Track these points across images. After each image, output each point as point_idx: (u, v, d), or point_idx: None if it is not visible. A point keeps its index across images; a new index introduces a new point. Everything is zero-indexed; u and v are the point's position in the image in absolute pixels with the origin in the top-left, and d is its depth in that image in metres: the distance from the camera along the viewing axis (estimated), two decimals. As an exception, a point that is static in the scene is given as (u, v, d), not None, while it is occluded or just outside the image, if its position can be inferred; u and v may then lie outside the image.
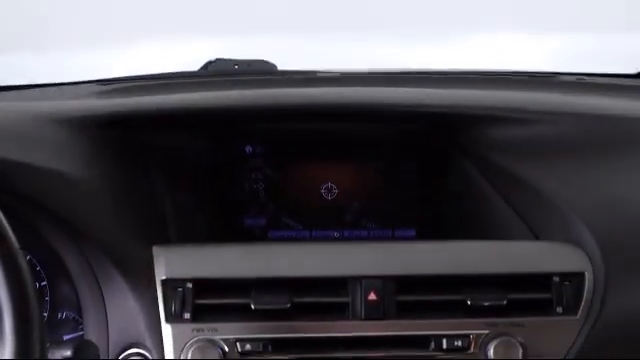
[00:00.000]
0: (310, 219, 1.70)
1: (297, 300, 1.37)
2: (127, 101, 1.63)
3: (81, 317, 1.46)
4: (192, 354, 1.33)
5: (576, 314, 1.37)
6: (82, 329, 1.46)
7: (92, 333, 1.41)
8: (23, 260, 1.07)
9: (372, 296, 1.37)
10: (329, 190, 1.69)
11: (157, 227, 1.51)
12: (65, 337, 1.48)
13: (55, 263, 1.46)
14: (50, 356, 1.20)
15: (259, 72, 1.90)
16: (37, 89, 1.86)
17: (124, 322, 1.39)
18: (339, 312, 1.38)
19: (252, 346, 1.35)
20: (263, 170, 1.70)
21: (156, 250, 1.42)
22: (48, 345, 1.18)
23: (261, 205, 1.70)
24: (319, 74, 1.83)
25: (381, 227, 1.69)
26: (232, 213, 1.69)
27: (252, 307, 1.36)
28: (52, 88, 1.87)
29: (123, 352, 1.38)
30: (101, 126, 1.51)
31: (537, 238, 1.51)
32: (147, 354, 1.37)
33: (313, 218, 1.70)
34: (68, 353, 1.20)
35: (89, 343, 1.23)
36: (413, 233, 1.69)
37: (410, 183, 1.69)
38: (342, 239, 1.70)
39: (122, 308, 1.40)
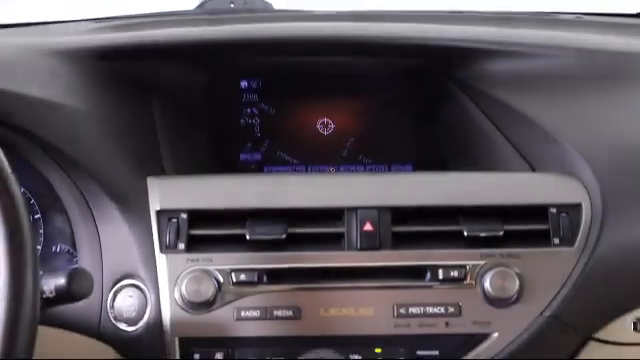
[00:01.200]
0: (306, 154, 1.69)
1: (292, 231, 1.36)
2: (124, 35, 1.61)
3: (75, 250, 1.45)
4: (186, 284, 1.32)
5: (573, 245, 1.36)
6: (76, 262, 1.46)
7: (86, 265, 1.40)
8: (16, 185, 1.05)
9: (368, 227, 1.36)
10: (325, 125, 1.68)
11: (151, 159, 1.50)
12: (59, 270, 1.47)
13: (49, 196, 1.46)
14: (44, 285, 1.18)
15: (255, 10, 1.88)
16: (35, 26, 1.84)
17: (118, 254, 1.39)
18: (334, 243, 1.37)
19: (247, 276, 1.34)
20: (259, 105, 1.69)
21: (150, 181, 1.41)
22: (41, 274, 1.16)
23: (256, 140, 1.69)
24: (316, 12, 1.81)
25: (378, 162, 1.68)
26: (227, 148, 1.68)
27: (247, 238, 1.35)
28: (49, 26, 1.85)
29: (117, 283, 1.38)
30: (98, 58, 1.50)
31: (534, 171, 1.50)
32: (141, 285, 1.36)
33: (309, 153, 1.68)
34: (62, 281, 1.19)
35: (83, 272, 1.22)
36: (410, 168, 1.68)
37: (407, 118, 1.68)
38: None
39: (116, 240, 1.39)
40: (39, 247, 1.48)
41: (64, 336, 1.38)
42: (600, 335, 1.39)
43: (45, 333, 1.29)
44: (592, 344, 1.39)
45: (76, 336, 1.38)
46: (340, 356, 1.21)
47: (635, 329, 1.39)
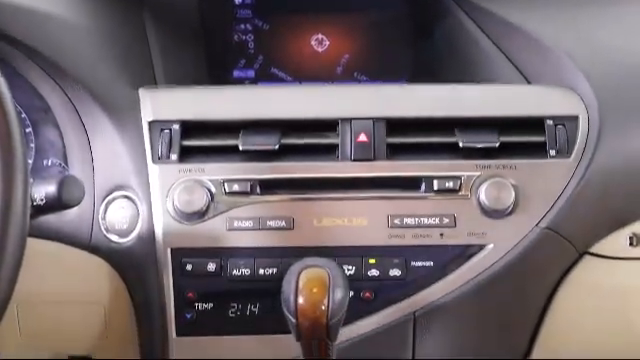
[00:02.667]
0: (300, 71, 1.67)
1: (285, 142, 1.35)
2: None
3: (66, 163, 1.43)
4: (179, 194, 1.31)
5: (569, 157, 1.35)
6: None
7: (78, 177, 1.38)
8: (6, 89, 1.04)
9: (362, 137, 1.34)
10: (320, 42, 1.66)
11: (144, 72, 1.48)
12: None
13: (40, 109, 1.44)
14: (34, 193, 1.17)
15: None
16: None
17: (110, 165, 1.37)
18: (328, 154, 1.36)
19: (239, 186, 1.33)
20: (252, 21, 1.67)
21: (142, 92, 1.40)
22: (32, 181, 1.15)
23: (250, 57, 1.67)
24: None
25: (372, 79, 1.65)
26: (220, 65, 1.66)
27: (240, 148, 1.34)
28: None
29: (109, 195, 1.37)
30: None
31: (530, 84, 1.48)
32: (133, 196, 1.35)
33: (303, 70, 1.66)
34: (52, 189, 1.17)
35: (74, 179, 1.21)
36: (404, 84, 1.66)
37: (403, 34, 1.66)
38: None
39: (108, 151, 1.38)
40: (30, 161, 1.45)
41: (55, 248, 1.37)
42: (596, 249, 1.39)
43: (36, 245, 1.29)
44: (588, 258, 1.38)
45: (67, 248, 1.37)
46: (333, 262, 1.19)
47: (631, 244, 1.39)
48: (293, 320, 1.13)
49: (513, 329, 1.39)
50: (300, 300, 1.12)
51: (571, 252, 1.35)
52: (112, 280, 1.37)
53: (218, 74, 1.65)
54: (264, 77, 1.65)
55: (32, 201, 1.15)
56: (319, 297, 1.12)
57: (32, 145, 1.45)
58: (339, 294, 1.13)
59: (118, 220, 1.35)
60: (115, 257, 1.36)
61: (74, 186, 1.19)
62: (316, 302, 1.12)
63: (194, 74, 1.61)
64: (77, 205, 1.19)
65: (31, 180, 1.13)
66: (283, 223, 1.31)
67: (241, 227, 1.31)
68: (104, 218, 1.36)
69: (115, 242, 1.35)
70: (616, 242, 1.39)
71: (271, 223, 1.31)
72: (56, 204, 1.17)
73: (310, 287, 1.13)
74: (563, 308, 1.39)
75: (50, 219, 1.35)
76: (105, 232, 1.35)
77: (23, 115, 1.45)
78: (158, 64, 1.52)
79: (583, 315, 1.41)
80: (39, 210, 1.17)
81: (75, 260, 1.37)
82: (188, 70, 1.59)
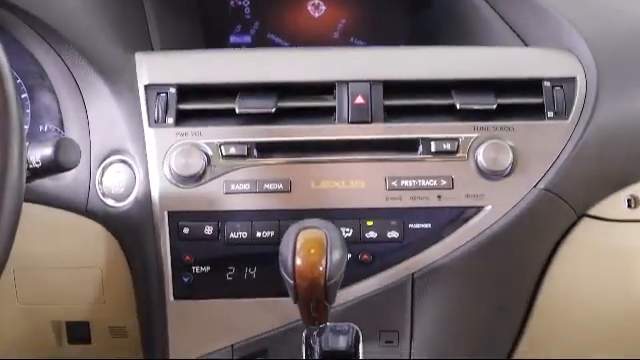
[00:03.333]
0: (296, 36, 1.66)
1: (282, 104, 1.34)
2: None
3: (62, 129, 1.43)
4: (175, 158, 1.31)
5: (567, 119, 1.35)
6: None
7: (74, 142, 1.38)
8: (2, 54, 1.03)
9: (359, 100, 1.34)
10: (316, 7, 1.65)
11: (140, 37, 1.48)
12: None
13: (36, 74, 1.43)
14: (30, 156, 1.16)
15: None
16: None
17: (106, 130, 1.37)
18: (325, 116, 1.35)
19: (236, 149, 1.32)
20: None
21: (139, 56, 1.39)
22: (28, 144, 1.14)
23: (246, 22, 1.66)
24: None
25: (369, 44, 1.65)
26: (216, 30, 1.65)
27: (237, 111, 1.33)
28: None
29: (105, 160, 1.36)
30: None
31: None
32: (129, 160, 1.35)
33: (299, 35, 1.66)
34: (48, 151, 1.16)
35: (70, 141, 1.19)
36: None
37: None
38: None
39: (104, 116, 1.37)
40: (26, 127, 1.45)
41: (52, 214, 1.37)
42: (594, 212, 1.38)
43: (33, 211, 1.29)
44: (586, 220, 1.38)
45: (64, 213, 1.36)
46: (331, 223, 1.19)
47: (629, 206, 1.39)
48: (291, 281, 1.13)
49: (511, 291, 1.39)
50: (298, 261, 1.12)
51: (569, 214, 1.35)
52: (109, 245, 1.37)
53: (214, 40, 1.64)
54: (260, 42, 1.64)
55: (28, 164, 1.14)
56: (317, 258, 1.12)
57: (28, 111, 1.45)
58: (337, 255, 1.13)
59: (114, 184, 1.35)
60: (112, 221, 1.35)
61: (70, 148, 1.18)
62: (314, 263, 1.12)
63: (190, 40, 1.60)
64: (74, 167, 1.18)
65: (27, 143, 1.12)
66: (280, 186, 1.31)
67: (238, 190, 1.31)
68: (100, 183, 1.35)
69: (112, 206, 1.35)
70: (615, 204, 1.38)
71: (268, 186, 1.31)
72: (52, 167, 1.16)
73: (308, 248, 1.13)
74: (561, 270, 1.38)
75: (46, 184, 1.35)
76: (102, 197, 1.35)
77: (19, 81, 1.44)
78: (154, 30, 1.51)
79: (581, 277, 1.41)
80: (35, 173, 1.16)
81: (72, 225, 1.36)
82: (184, 36, 1.59)
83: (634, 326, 1.47)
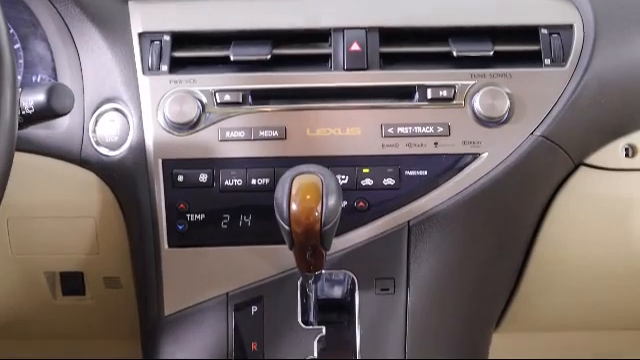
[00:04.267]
0: None
1: (277, 52, 1.33)
2: None
3: (56, 79, 1.41)
4: (169, 105, 1.30)
5: (564, 66, 1.34)
6: None
7: (68, 91, 1.36)
8: None
9: (355, 47, 1.33)
10: None
11: None
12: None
13: (29, 24, 1.42)
14: (23, 102, 1.15)
15: None
16: None
17: (100, 78, 1.36)
18: (321, 64, 1.34)
19: (231, 97, 1.31)
20: None
21: (132, 4, 1.38)
22: (20, 90, 1.13)
23: None
24: None
25: None
26: None
27: (231, 58, 1.32)
28: None
29: (99, 108, 1.35)
30: None
31: None
32: (123, 108, 1.34)
33: None
34: (41, 97, 1.15)
35: (63, 86, 1.18)
36: None
37: None
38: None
39: (97, 64, 1.36)
40: (19, 77, 1.43)
41: (46, 163, 1.36)
42: (591, 160, 1.38)
43: (27, 160, 1.28)
44: (583, 169, 1.37)
45: (58, 163, 1.36)
46: (326, 169, 1.18)
47: (627, 155, 1.38)
48: (286, 227, 1.12)
49: (508, 239, 1.38)
50: (293, 207, 1.11)
51: (567, 162, 1.34)
52: (103, 194, 1.36)
53: None
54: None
55: (21, 110, 1.12)
56: (312, 204, 1.11)
57: (21, 61, 1.43)
58: (332, 200, 1.12)
59: (108, 133, 1.34)
60: (106, 170, 1.34)
61: (63, 93, 1.16)
62: (309, 209, 1.11)
63: None
64: (67, 113, 1.17)
65: (20, 89, 1.10)
66: (275, 133, 1.30)
67: (233, 137, 1.30)
68: (94, 131, 1.34)
69: (105, 155, 1.34)
70: (612, 153, 1.38)
71: (263, 133, 1.30)
72: (46, 112, 1.14)
73: (303, 194, 1.12)
74: (558, 219, 1.38)
75: (40, 134, 1.34)
76: (95, 145, 1.34)
77: (12, 30, 1.43)
78: None
79: (578, 226, 1.41)
80: (28, 119, 1.15)
81: (65, 174, 1.36)
82: None
83: (630, 274, 1.47)
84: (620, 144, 1.38)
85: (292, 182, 1.13)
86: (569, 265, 1.46)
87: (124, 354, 1.60)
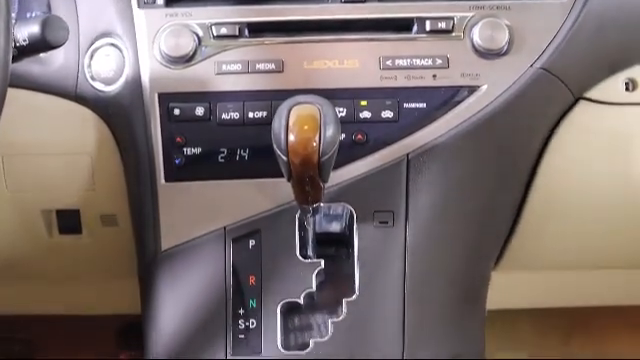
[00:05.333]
0: None
1: None
2: None
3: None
4: (165, 39, 1.29)
5: None
6: None
7: (62, 27, 1.35)
8: None
9: None
10: None
11: None
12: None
13: None
14: (17, 34, 1.13)
15: None
16: None
17: (94, 12, 1.35)
18: None
19: (227, 30, 1.30)
20: None
21: None
22: (15, 22, 1.11)
23: None
24: None
25: None
26: None
27: None
28: None
29: (94, 43, 1.34)
30: None
31: None
32: (119, 43, 1.33)
33: None
34: (35, 29, 1.13)
35: (57, 18, 1.16)
36: None
37: None
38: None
39: None
40: (13, 14, 1.41)
41: (41, 99, 1.35)
42: (591, 95, 1.37)
43: (21, 96, 1.27)
44: (583, 103, 1.36)
45: (53, 99, 1.35)
46: (324, 99, 1.17)
47: (627, 89, 1.37)
48: (284, 158, 1.11)
49: (508, 174, 1.38)
50: (291, 137, 1.10)
51: (566, 95, 1.33)
52: (99, 130, 1.35)
53: None
54: None
55: (15, 42, 1.11)
56: (310, 134, 1.10)
57: None
58: (330, 130, 1.11)
59: (104, 68, 1.33)
60: (101, 106, 1.33)
61: (57, 25, 1.15)
62: (307, 139, 1.10)
63: None
64: (61, 45, 1.15)
65: (14, 21, 1.09)
66: (272, 66, 1.29)
67: (230, 71, 1.29)
68: (89, 66, 1.33)
69: (101, 90, 1.32)
70: (612, 87, 1.37)
71: (260, 66, 1.29)
72: (40, 44, 1.13)
73: (301, 124, 1.11)
74: (558, 153, 1.37)
75: (34, 69, 1.33)
76: (91, 81, 1.33)
77: None
78: None
79: (578, 160, 1.41)
80: (22, 52, 1.13)
81: (61, 110, 1.35)
82: None
83: (629, 209, 1.46)
84: (620, 78, 1.37)
85: (289, 112, 1.12)
86: (569, 200, 1.46)
87: (123, 295, 1.59)
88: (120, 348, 1.63)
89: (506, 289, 1.65)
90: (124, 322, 1.77)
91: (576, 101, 1.35)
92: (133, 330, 1.55)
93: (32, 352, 2.15)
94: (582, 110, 1.36)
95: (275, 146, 1.11)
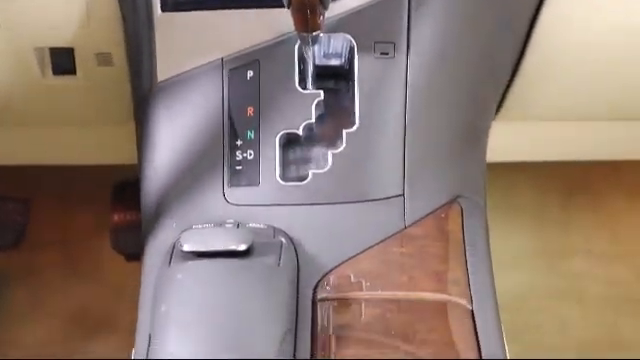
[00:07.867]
0: None
1: None
2: None
3: None
4: None
5: None
6: None
7: None
8: None
9: None
10: None
11: None
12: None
13: None
14: None
15: None
16: None
17: None
18: None
19: None
20: None
21: None
22: None
23: None
24: None
25: None
26: None
27: None
28: None
29: None
30: None
31: None
32: None
33: None
34: None
35: None
36: None
37: None
38: None
39: None
40: None
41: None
42: None
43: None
44: None
45: None
46: None
47: None
48: None
49: (511, 14, 1.38)
50: None
51: None
52: None
53: None
54: None
55: None
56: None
57: None
58: None
59: None
60: None
61: None
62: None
63: None
64: None
65: None
66: None
67: None
68: None
69: None
70: None
71: None
72: None
73: None
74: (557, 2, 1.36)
75: None
76: None
77: None
78: None
79: (581, 5, 1.39)
80: None
81: None
82: None
83: (630, 58, 1.46)
84: None
85: None
86: (571, 46, 1.45)
87: (119, 142, 1.57)
88: (114, 207, 1.61)
89: (506, 140, 1.64)
90: (121, 180, 1.74)
91: None
92: (129, 188, 1.52)
93: (27, 211, 2.14)
94: None
95: None
